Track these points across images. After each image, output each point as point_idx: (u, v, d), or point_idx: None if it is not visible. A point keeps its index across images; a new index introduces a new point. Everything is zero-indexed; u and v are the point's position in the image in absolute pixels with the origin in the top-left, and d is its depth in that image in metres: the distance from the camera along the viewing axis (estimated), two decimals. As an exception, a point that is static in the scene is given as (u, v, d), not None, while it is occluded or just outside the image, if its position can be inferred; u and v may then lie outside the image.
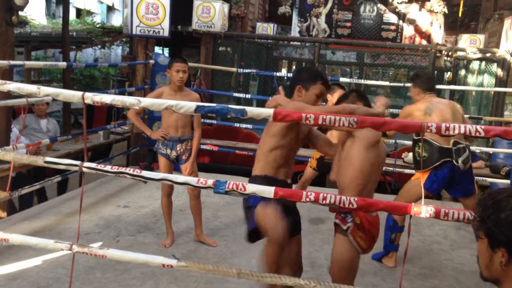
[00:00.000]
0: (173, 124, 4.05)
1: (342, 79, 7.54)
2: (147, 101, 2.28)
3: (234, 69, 7.59)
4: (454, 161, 3.66)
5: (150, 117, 6.25)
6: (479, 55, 7.45)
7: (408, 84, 6.81)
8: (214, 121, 7.09)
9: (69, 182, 6.22)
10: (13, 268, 3.46)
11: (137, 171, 2.30)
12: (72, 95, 2.34)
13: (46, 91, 2.34)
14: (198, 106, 2.19)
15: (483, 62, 7.76)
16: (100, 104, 2.30)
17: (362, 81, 7.82)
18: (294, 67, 13.71)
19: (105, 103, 2.28)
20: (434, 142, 3.68)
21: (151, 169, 5.97)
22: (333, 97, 4.52)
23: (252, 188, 2.14)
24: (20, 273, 3.40)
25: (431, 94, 3.90)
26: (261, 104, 7.64)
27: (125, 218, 4.66)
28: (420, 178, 3.75)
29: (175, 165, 4.21)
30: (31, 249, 3.38)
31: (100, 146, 6.88)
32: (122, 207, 4.99)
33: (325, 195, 2.09)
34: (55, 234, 4.09)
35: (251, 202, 2.45)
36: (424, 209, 2.03)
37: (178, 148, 4.08)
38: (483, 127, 1.99)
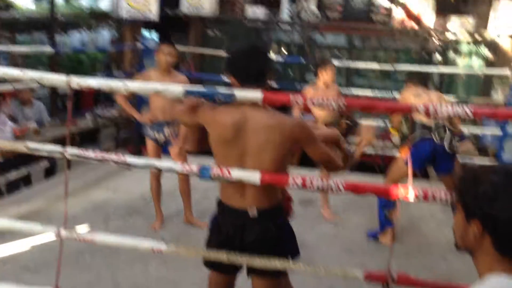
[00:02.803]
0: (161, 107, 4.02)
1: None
2: (135, 86, 2.26)
3: (223, 53, 7.51)
4: (434, 138, 3.75)
5: (139, 100, 6.19)
6: (468, 38, 7.45)
7: (399, 68, 6.87)
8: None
9: (58, 165, 6.17)
10: (1, 253, 3.46)
11: (121, 157, 2.27)
12: (57, 80, 2.30)
13: (30, 75, 2.31)
14: (187, 90, 2.17)
15: (473, 45, 7.77)
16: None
17: (352, 64, 7.78)
18: (284, 50, 13.58)
19: (92, 88, 2.25)
20: (417, 120, 3.84)
21: (141, 152, 5.93)
22: (326, 74, 4.42)
23: (237, 174, 2.12)
24: (9, 258, 3.40)
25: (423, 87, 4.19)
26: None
27: (114, 201, 4.66)
28: (402, 156, 3.87)
29: (164, 148, 4.20)
30: (19, 233, 3.37)
31: (88, 130, 6.81)
32: (111, 190, 4.98)
33: (312, 179, 2.09)
34: (44, 218, 4.06)
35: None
36: (411, 192, 2.05)
37: (166, 131, 4.05)
38: (471, 108, 1.94)
